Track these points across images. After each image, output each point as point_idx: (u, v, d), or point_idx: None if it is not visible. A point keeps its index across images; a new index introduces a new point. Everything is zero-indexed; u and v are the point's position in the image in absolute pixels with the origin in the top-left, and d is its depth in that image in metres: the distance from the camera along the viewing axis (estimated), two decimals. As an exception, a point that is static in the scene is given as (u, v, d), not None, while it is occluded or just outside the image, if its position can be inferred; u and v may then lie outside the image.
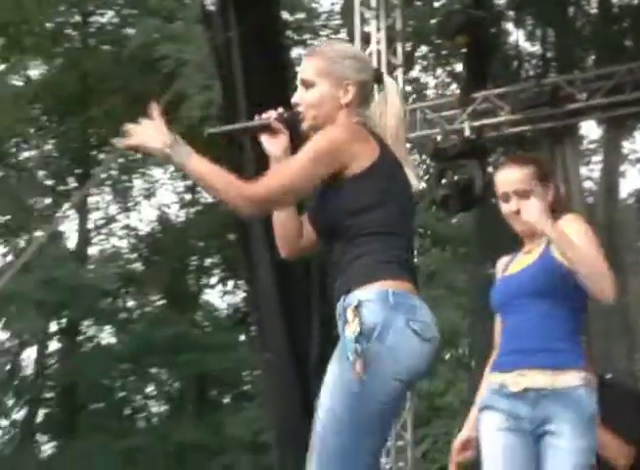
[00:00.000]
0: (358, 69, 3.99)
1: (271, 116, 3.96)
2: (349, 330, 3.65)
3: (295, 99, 3.99)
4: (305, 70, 3.99)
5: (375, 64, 12.73)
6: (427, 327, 3.76)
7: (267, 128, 3.96)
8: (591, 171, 16.29)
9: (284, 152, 3.96)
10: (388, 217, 3.83)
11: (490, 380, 4.67)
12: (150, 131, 3.72)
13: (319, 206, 3.89)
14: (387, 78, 4.08)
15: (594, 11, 14.43)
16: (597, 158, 16.80)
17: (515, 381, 4.54)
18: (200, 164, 3.68)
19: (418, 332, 3.73)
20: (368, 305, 3.69)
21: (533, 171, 4.74)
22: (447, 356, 19.87)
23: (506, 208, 4.75)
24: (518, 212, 4.64)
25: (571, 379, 4.50)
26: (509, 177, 4.77)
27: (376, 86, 4.03)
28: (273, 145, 3.98)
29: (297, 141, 3.95)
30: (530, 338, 4.56)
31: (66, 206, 20.14)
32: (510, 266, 4.80)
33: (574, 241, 4.43)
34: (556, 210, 4.63)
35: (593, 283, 4.42)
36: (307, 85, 3.96)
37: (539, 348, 4.54)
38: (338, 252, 3.85)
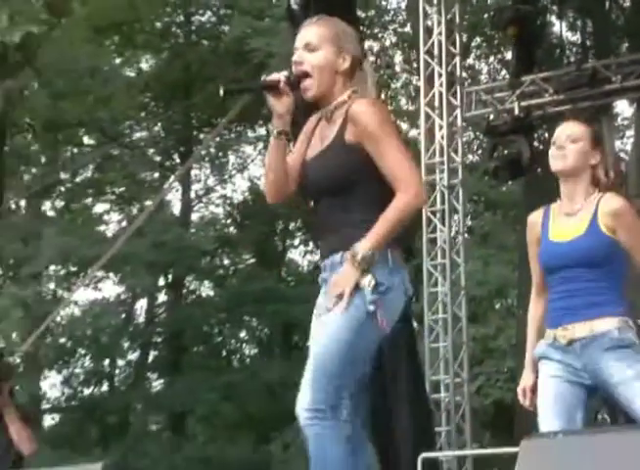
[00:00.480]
0: (355, 44, 3.97)
1: (279, 77, 3.86)
2: (365, 283, 3.68)
3: (296, 57, 3.90)
4: (311, 34, 3.90)
5: (435, 54, 12.69)
6: (409, 287, 3.86)
7: (274, 88, 3.85)
8: (624, 145, 16.11)
9: (287, 111, 3.87)
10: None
11: (546, 334, 4.58)
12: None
13: (333, 162, 3.82)
14: (366, 63, 4.02)
15: (627, 4, 14.27)
16: (630, 132, 16.69)
17: (562, 334, 4.47)
18: (380, 242, 3.70)
19: (405, 290, 3.85)
20: (377, 263, 3.73)
21: (591, 131, 4.67)
22: (497, 306, 19.83)
23: (557, 147, 4.64)
24: (562, 148, 4.60)
25: (606, 324, 4.42)
26: (569, 126, 4.69)
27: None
28: (278, 104, 3.86)
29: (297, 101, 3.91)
30: (578, 298, 4.47)
31: (171, 179, 20.17)
32: (553, 228, 4.64)
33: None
34: (602, 181, 4.60)
35: None
36: (311, 49, 3.88)
37: (583, 305, 4.46)
38: (334, 211, 3.84)
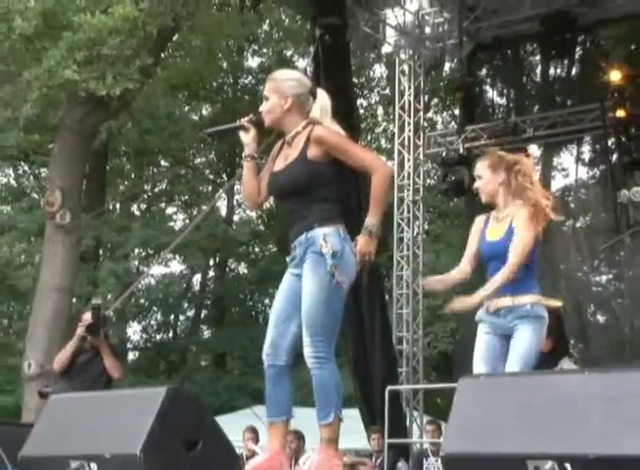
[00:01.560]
0: (294, 86, 3.86)
1: (244, 120, 3.88)
2: (325, 251, 3.63)
3: (261, 108, 3.88)
4: (266, 88, 3.89)
5: (406, 109, 12.65)
6: (354, 253, 3.72)
7: (242, 128, 3.87)
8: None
9: (252, 141, 3.86)
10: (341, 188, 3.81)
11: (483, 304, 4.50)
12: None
13: (298, 172, 3.76)
14: (319, 91, 3.93)
15: (538, 79, 14.28)
16: (538, 167, 16.66)
17: (493, 304, 4.41)
18: (380, 214, 3.67)
19: (354, 254, 3.71)
20: (332, 237, 3.67)
21: (486, 162, 4.57)
22: (444, 285, 19.70)
23: (476, 184, 4.62)
24: (477, 189, 4.58)
25: (524, 299, 4.36)
26: (475, 167, 4.64)
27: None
28: (245, 137, 3.87)
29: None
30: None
31: (220, 191, 20.13)
32: (488, 229, 4.56)
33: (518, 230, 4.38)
34: (511, 191, 4.48)
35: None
36: (266, 99, 3.87)
37: (509, 287, 4.38)
38: (298, 207, 3.77)
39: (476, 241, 4.62)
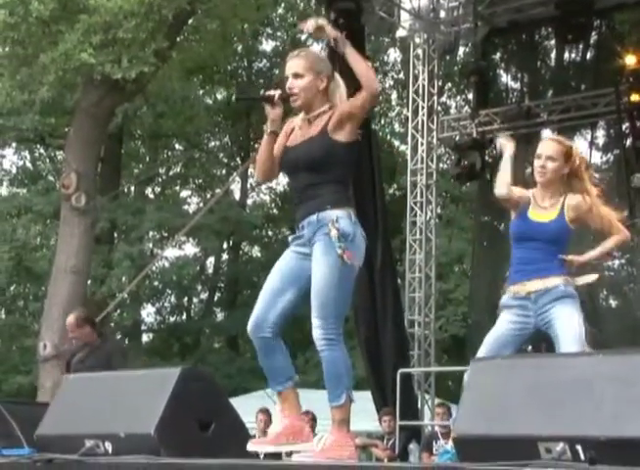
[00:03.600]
0: (328, 66, 3.83)
1: (275, 93, 3.78)
2: (333, 234, 3.60)
3: (289, 84, 3.78)
4: (297, 66, 3.79)
5: (420, 93, 12.62)
6: (364, 235, 3.73)
7: (271, 100, 3.78)
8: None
9: (278, 117, 3.81)
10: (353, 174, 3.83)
11: (509, 289, 4.41)
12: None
13: (318, 147, 3.72)
14: (336, 75, 3.87)
15: (552, 63, 14.17)
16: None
17: (522, 289, 4.33)
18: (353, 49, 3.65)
19: (364, 238, 3.72)
20: (343, 220, 3.64)
21: (562, 149, 4.44)
22: (456, 269, 19.75)
23: (539, 163, 4.44)
24: (543, 167, 4.40)
25: (554, 281, 4.29)
26: (547, 145, 4.48)
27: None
28: (272, 112, 3.80)
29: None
30: (534, 264, 4.35)
31: (234, 174, 20.13)
32: (530, 211, 4.45)
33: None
34: (566, 183, 4.43)
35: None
36: (298, 76, 3.77)
37: (537, 269, 4.33)
38: (311, 184, 3.72)
39: (517, 194, 4.47)
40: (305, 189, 3.76)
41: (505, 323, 4.37)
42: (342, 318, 3.72)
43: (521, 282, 4.36)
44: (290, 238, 3.88)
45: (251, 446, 3.69)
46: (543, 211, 4.44)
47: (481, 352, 4.34)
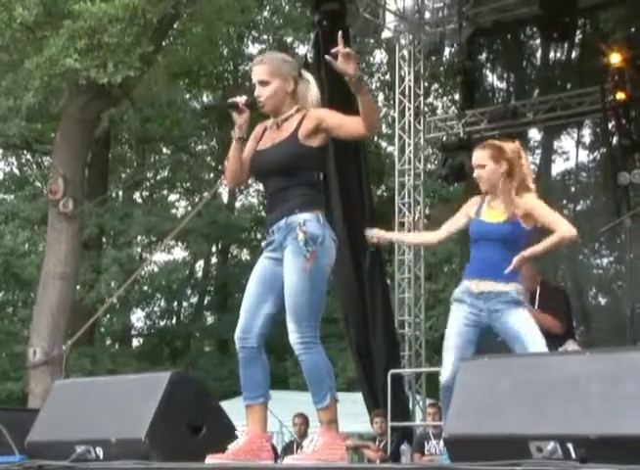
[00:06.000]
0: (294, 67, 3.82)
1: (241, 100, 3.77)
2: (300, 238, 3.59)
3: (256, 93, 3.78)
4: (262, 72, 3.77)
5: (406, 94, 12.63)
6: (334, 237, 3.73)
7: (237, 107, 3.77)
8: (535, 159, 16.02)
9: (244, 122, 3.78)
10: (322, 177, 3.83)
11: (463, 282, 4.57)
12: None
13: (287, 151, 3.71)
14: (304, 72, 3.88)
15: (538, 63, 14.23)
16: (538, 151, 16.61)
17: (476, 286, 4.47)
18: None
19: (334, 240, 3.72)
20: (311, 223, 3.64)
21: (489, 152, 4.58)
22: (445, 269, 19.76)
23: (475, 173, 4.62)
24: (478, 177, 4.58)
25: (505, 287, 4.43)
26: (475, 155, 4.64)
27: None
28: (239, 118, 3.78)
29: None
30: (489, 265, 4.47)
31: (222, 178, 20.10)
32: (484, 212, 4.60)
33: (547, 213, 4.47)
34: (516, 182, 4.52)
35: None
36: (264, 83, 3.77)
37: (491, 271, 4.45)
38: (281, 188, 3.72)
39: (463, 219, 4.67)
40: (275, 193, 3.77)
41: (461, 319, 4.49)
42: (317, 321, 3.71)
43: (475, 279, 4.49)
44: (263, 244, 3.88)
45: (209, 460, 3.64)
46: (496, 211, 4.56)
47: (447, 347, 4.46)
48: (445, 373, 4.42)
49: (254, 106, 3.80)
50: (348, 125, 3.65)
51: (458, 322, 4.49)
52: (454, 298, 4.57)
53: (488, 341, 4.58)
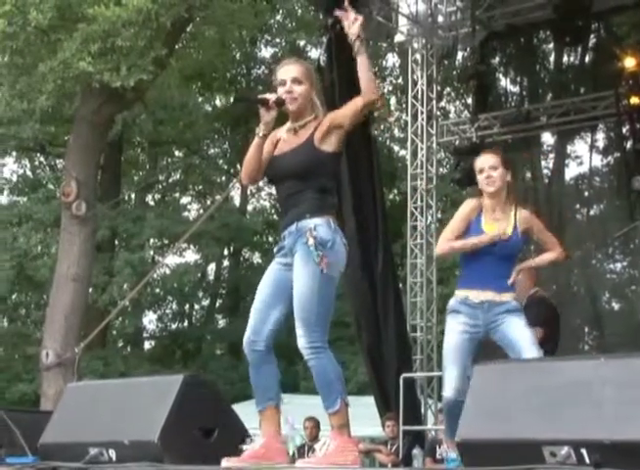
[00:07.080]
0: (315, 77, 3.93)
1: (271, 97, 3.79)
2: (311, 243, 3.62)
3: (289, 88, 3.81)
4: (296, 71, 3.82)
5: (419, 98, 12.60)
6: (345, 241, 3.75)
7: (266, 104, 3.78)
8: (548, 164, 16.00)
9: (271, 120, 3.80)
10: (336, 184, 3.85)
11: (459, 292, 4.58)
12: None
13: (304, 155, 3.75)
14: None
15: (551, 66, 14.21)
16: (552, 155, 16.57)
17: (475, 296, 4.50)
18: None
19: (345, 245, 3.73)
20: (322, 227, 3.66)
21: (500, 157, 4.65)
22: (457, 273, 19.63)
23: (485, 174, 4.59)
24: (489, 177, 4.56)
25: (506, 296, 4.50)
26: (485, 157, 4.67)
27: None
28: (266, 115, 3.78)
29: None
30: (490, 277, 4.50)
31: (234, 181, 20.12)
32: (484, 223, 4.59)
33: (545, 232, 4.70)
34: (512, 194, 4.60)
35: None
36: (298, 82, 3.80)
37: (492, 283, 4.50)
38: (295, 192, 3.74)
39: (462, 226, 4.63)
40: (288, 198, 3.79)
41: (458, 334, 4.50)
42: (326, 326, 3.72)
43: (475, 290, 4.51)
44: (275, 249, 3.90)
45: (225, 463, 3.64)
46: (496, 222, 4.57)
47: (447, 362, 4.48)
48: (448, 389, 4.43)
49: (283, 105, 3.82)
50: (351, 104, 3.72)
51: (455, 335, 4.51)
52: (450, 309, 4.57)
53: (488, 341, 4.59)
